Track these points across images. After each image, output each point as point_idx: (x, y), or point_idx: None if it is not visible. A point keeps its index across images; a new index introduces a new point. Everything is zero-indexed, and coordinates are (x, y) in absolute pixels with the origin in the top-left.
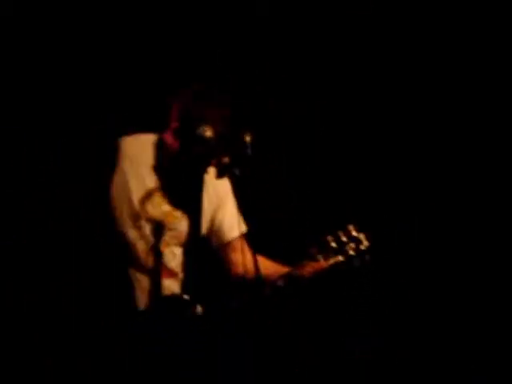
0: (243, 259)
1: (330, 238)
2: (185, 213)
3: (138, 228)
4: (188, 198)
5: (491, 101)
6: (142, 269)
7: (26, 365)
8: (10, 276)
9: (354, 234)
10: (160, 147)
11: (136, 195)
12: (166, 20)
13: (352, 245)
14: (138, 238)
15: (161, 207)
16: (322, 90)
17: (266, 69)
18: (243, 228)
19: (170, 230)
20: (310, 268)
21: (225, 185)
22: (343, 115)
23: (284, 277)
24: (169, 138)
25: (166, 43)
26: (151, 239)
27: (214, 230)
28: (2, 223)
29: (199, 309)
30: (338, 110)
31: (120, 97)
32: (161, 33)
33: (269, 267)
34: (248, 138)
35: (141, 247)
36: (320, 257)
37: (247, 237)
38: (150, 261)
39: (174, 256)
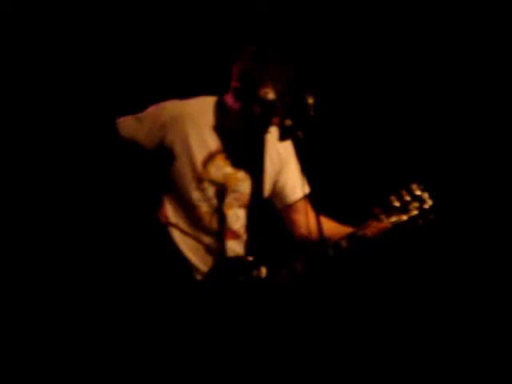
0: (306, 220)
1: (393, 197)
2: (247, 175)
3: (202, 190)
4: (250, 160)
5: (491, 101)
6: (206, 230)
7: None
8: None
9: (418, 193)
10: (221, 109)
11: (199, 157)
12: (166, 18)
13: (415, 204)
14: (202, 200)
15: (223, 169)
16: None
17: None
18: (306, 189)
19: (233, 191)
20: (373, 228)
21: (287, 146)
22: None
23: (348, 237)
24: (230, 98)
25: (164, 43)
26: (214, 201)
27: (277, 192)
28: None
29: (263, 270)
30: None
31: (120, 96)
32: (159, 32)
33: (332, 228)
34: (310, 100)
35: (204, 209)
36: (383, 216)
37: (310, 198)
38: (213, 222)
39: (237, 218)
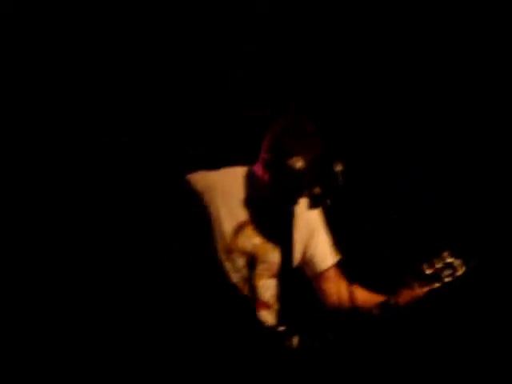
0: (337, 289)
1: (425, 265)
2: (277, 244)
3: (232, 260)
4: (279, 230)
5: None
6: (238, 299)
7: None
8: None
9: (449, 260)
10: (251, 179)
11: (228, 228)
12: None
13: (447, 271)
14: (232, 271)
15: (252, 240)
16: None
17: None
18: (336, 257)
19: (263, 262)
20: (405, 296)
21: (316, 214)
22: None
23: (379, 306)
24: (259, 169)
25: (164, 45)
26: (244, 272)
27: (307, 261)
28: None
29: (295, 340)
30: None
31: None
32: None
33: (364, 296)
34: (339, 168)
35: (235, 279)
36: (416, 284)
37: (341, 266)
38: (244, 292)
39: (267, 288)
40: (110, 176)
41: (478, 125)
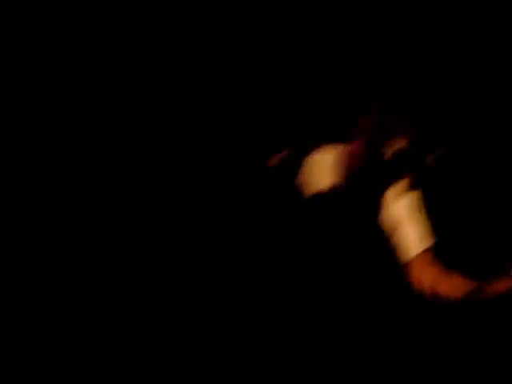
0: (428, 276)
1: None
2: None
3: None
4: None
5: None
6: None
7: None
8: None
9: None
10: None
11: None
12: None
13: None
14: None
15: None
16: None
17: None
18: (429, 242)
19: None
20: (503, 285)
21: (407, 201)
22: None
23: (470, 293)
24: (357, 149)
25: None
26: None
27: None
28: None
29: None
30: None
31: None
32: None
33: (457, 283)
34: (440, 152)
35: None
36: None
37: (434, 251)
38: None
39: None
40: (110, 176)
41: None
